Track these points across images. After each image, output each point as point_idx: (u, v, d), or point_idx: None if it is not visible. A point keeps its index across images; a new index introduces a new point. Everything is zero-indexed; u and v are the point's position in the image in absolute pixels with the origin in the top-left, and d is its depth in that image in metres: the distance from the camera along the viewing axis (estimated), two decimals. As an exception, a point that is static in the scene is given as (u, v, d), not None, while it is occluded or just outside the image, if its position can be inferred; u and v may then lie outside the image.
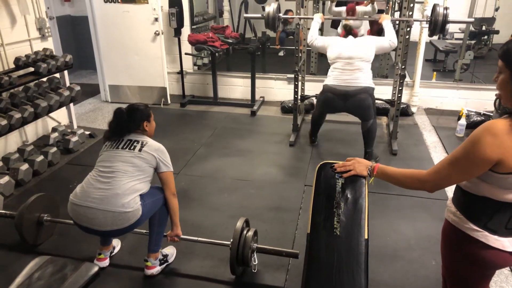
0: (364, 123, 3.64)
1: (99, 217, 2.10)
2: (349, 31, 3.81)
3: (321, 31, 7.70)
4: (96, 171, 2.23)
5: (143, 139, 2.27)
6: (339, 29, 5.26)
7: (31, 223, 2.58)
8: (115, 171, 2.16)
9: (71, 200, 2.19)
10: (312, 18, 3.96)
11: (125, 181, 2.14)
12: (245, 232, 2.31)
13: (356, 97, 3.47)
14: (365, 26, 5.53)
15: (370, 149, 3.71)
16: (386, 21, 3.69)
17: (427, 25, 3.69)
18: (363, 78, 3.52)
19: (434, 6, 3.56)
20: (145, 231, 2.44)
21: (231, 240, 2.27)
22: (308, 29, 4.03)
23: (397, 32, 4.63)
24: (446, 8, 3.51)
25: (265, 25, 4.02)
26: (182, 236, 2.43)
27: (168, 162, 2.28)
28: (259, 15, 4.09)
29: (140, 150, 2.20)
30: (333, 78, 3.61)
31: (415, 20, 4.09)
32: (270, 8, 3.96)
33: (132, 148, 2.21)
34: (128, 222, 2.13)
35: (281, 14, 4.07)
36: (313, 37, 3.79)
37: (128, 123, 2.26)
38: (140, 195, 2.18)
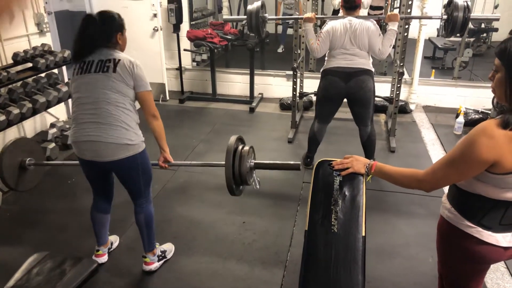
0: (362, 131, 3.43)
1: (102, 147, 2.06)
2: (350, 7, 3.27)
3: (320, 26, 7.69)
4: (79, 106, 2.09)
5: (115, 55, 2.08)
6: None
7: (13, 166, 2.43)
8: (100, 101, 2.04)
9: (72, 140, 2.14)
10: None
11: (116, 112, 2.05)
12: (240, 148, 2.09)
13: (358, 77, 3.21)
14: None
15: (371, 159, 3.35)
16: (392, 25, 3.18)
17: (442, 24, 3.34)
18: (363, 62, 3.24)
19: (451, 0, 3.12)
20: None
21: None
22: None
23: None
24: (466, 1, 3.03)
25: (248, 29, 3.65)
26: (173, 162, 2.34)
27: (145, 80, 2.12)
28: (242, 17, 3.70)
29: (114, 70, 2.04)
30: (333, 62, 3.30)
31: (430, 18, 3.68)
32: (253, 6, 3.48)
33: (105, 70, 2.04)
34: (128, 152, 2.09)
35: (267, 15, 3.65)
36: (316, 48, 3.28)
37: (100, 33, 2.06)
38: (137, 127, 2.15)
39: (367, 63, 3.27)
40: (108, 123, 2.06)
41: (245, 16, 3.57)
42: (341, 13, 3.41)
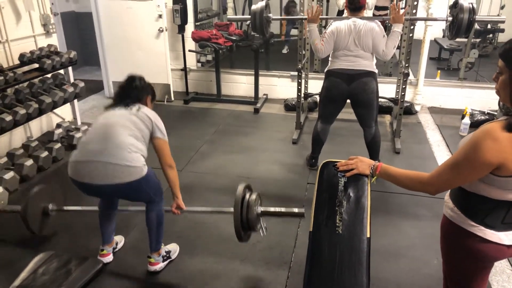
0: (367, 132, 3.43)
1: (100, 169, 2.06)
2: (354, 8, 3.24)
3: (326, 22, 7.68)
4: (91, 130, 2.21)
5: (140, 105, 2.26)
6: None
7: (36, 213, 2.54)
8: (113, 125, 2.14)
9: (70, 160, 2.16)
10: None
11: (124, 134, 2.11)
12: (247, 196, 2.22)
13: (361, 79, 3.20)
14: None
15: (376, 159, 3.21)
16: (396, 27, 3.17)
17: (447, 25, 3.23)
18: (366, 64, 3.23)
19: (457, 1, 3.10)
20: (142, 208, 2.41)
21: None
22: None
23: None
24: (471, 3, 3.03)
25: (252, 29, 3.61)
26: (185, 209, 2.40)
27: (163, 130, 2.25)
28: (246, 17, 3.63)
29: (137, 111, 2.20)
30: (336, 63, 3.29)
31: (435, 20, 3.63)
32: (257, 6, 3.45)
33: (128, 109, 2.20)
34: (129, 177, 2.08)
35: (271, 15, 3.61)
36: (320, 48, 3.28)
37: (137, 89, 2.28)
38: (143, 156, 2.17)
39: (371, 65, 3.26)
40: (114, 143, 2.09)
41: (249, 16, 3.56)
42: (345, 14, 3.40)
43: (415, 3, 3.88)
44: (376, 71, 3.31)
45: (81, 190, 2.20)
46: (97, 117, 2.30)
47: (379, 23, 3.25)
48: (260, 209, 2.25)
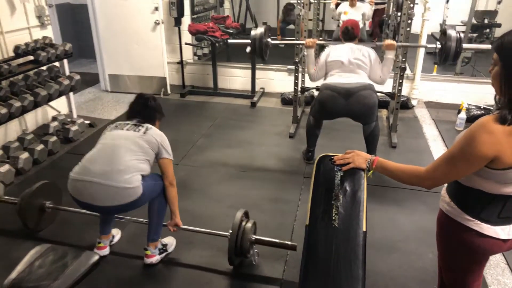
0: (366, 127, 3.35)
1: (101, 192, 2.11)
2: (349, 38, 3.42)
3: (322, 22, 7.65)
4: (97, 147, 2.26)
5: (148, 125, 2.32)
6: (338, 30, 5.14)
7: (33, 209, 2.60)
8: (119, 147, 2.19)
9: (71, 176, 2.19)
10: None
11: (128, 158, 2.16)
12: (244, 223, 2.32)
13: (360, 93, 3.12)
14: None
15: (373, 153, 3.31)
16: (389, 54, 3.31)
17: (437, 50, 3.34)
18: (363, 78, 3.24)
19: (445, 30, 3.24)
20: (144, 220, 2.45)
21: (230, 231, 2.29)
22: (310, 20, 3.95)
23: (398, 24, 4.65)
24: (459, 32, 3.20)
25: (251, 52, 3.61)
26: (182, 226, 2.45)
27: (169, 150, 2.31)
28: (245, 41, 3.66)
29: (144, 133, 2.25)
30: (332, 78, 3.29)
31: (425, 47, 3.91)
32: (257, 32, 3.47)
33: (136, 130, 2.26)
34: (128, 198, 2.14)
35: (269, 40, 3.63)
36: (313, 73, 3.42)
37: (150, 109, 2.37)
38: (142, 175, 2.20)
39: (368, 80, 3.26)
40: (117, 167, 2.12)
41: (249, 41, 3.56)
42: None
43: (411, 5, 3.91)
44: (374, 84, 3.29)
45: (81, 207, 2.25)
46: (105, 132, 2.34)
47: (374, 51, 3.37)
48: (254, 237, 2.34)
